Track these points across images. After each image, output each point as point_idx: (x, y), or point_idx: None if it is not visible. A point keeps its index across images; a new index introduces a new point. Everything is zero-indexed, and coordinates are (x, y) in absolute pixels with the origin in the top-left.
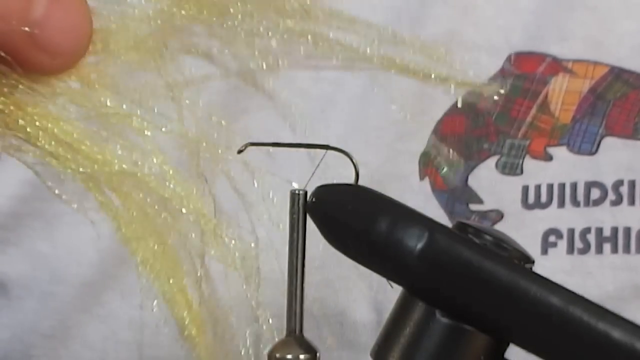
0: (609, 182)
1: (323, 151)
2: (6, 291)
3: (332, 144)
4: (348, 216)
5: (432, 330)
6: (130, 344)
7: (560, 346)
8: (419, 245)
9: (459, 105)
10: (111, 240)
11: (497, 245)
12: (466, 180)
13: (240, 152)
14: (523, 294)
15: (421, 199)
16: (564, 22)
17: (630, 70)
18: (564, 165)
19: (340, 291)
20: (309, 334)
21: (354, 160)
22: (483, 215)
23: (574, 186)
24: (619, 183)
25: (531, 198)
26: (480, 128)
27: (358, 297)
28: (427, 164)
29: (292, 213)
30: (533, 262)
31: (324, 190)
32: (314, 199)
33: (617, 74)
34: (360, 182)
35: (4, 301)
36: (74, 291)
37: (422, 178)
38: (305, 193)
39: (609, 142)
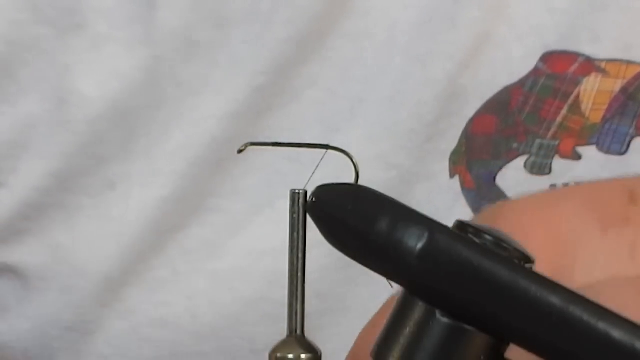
0: None
1: (323, 151)
2: (26, 282)
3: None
4: (348, 216)
5: (432, 330)
6: (152, 340)
7: (560, 346)
8: (419, 245)
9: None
10: (133, 236)
11: (497, 245)
12: (494, 179)
13: (240, 151)
14: (523, 294)
15: (450, 197)
16: (597, 22)
17: None
18: (592, 165)
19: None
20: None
21: (354, 160)
22: None
23: None
24: None
25: None
26: (510, 128)
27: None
28: (457, 163)
29: (292, 213)
30: (533, 262)
31: (324, 190)
32: (314, 199)
33: None
34: (391, 183)
35: (24, 292)
36: (94, 286)
37: (452, 176)
38: (305, 193)
39: (639, 143)
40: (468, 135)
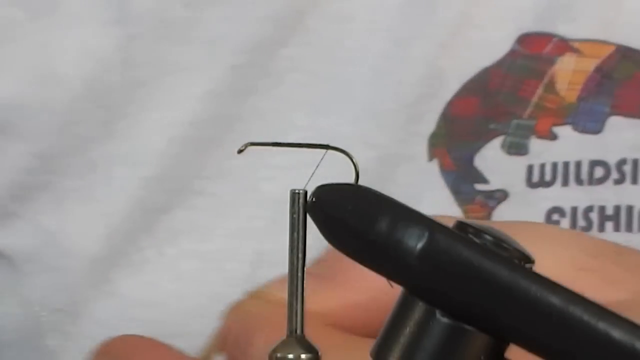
0: (612, 161)
1: (323, 151)
2: (14, 265)
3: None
4: (348, 216)
5: (432, 330)
6: (141, 321)
7: (560, 346)
8: (419, 245)
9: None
10: (120, 217)
11: (497, 245)
12: (472, 160)
13: (240, 152)
14: (523, 294)
15: (429, 179)
16: (572, 2)
17: (638, 50)
18: (568, 144)
19: None
20: None
21: (354, 160)
22: (488, 195)
23: (578, 165)
24: (622, 162)
25: (535, 177)
26: (490, 108)
27: None
28: (436, 145)
29: (292, 213)
30: (533, 262)
31: (324, 190)
32: (314, 199)
33: (624, 53)
34: (372, 164)
35: (13, 275)
36: (82, 267)
37: (430, 159)
38: (305, 193)
39: (614, 122)
40: (448, 118)
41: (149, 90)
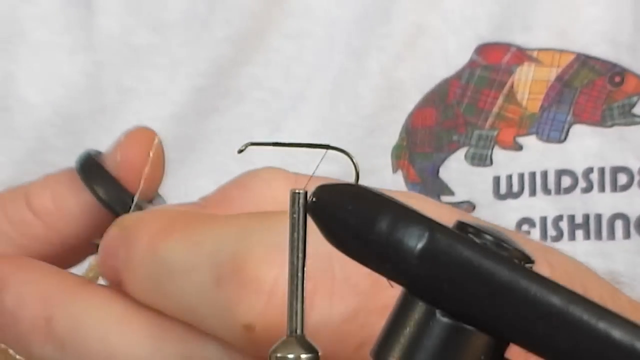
0: (579, 170)
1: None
2: None
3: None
4: (348, 216)
5: (432, 330)
6: None
7: (560, 346)
8: (419, 245)
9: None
10: None
11: (498, 245)
12: (437, 172)
13: (240, 151)
14: (523, 293)
15: None
16: (528, 11)
17: (596, 57)
18: (534, 155)
19: None
20: None
21: (354, 160)
22: (455, 207)
23: (545, 175)
24: (589, 170)
25: (503, 188)
26: (450, 120)
27: None
28: (400, 157)
29: (292, 213)
30: (533, 262)
31: (325, 190)
32: (314, 199)
33: (583, 61)
34: (333, 178)
35: None
36: None
37: (395, 171)
38: (306, 193)
39: (577, 130)
40: (409, 129)
41: (115, 115)
